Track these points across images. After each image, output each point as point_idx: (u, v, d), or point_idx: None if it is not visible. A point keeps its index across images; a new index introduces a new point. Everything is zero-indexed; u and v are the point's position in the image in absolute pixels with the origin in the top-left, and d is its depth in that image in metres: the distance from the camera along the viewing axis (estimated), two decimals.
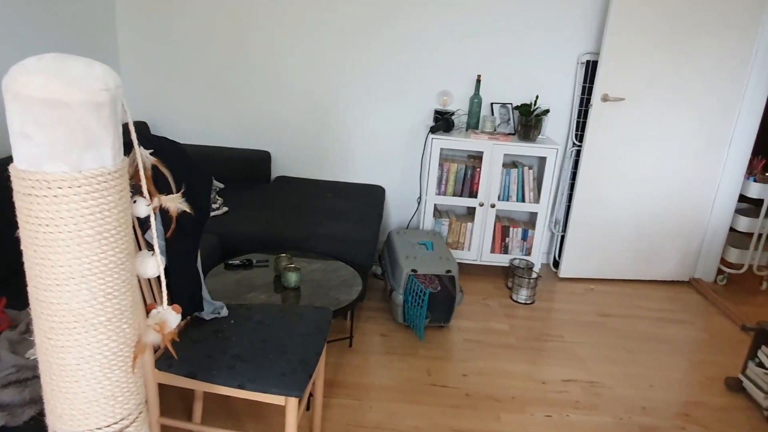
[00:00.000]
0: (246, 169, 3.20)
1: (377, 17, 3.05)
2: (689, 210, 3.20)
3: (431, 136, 2.94)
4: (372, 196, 3.12)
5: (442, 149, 3.05)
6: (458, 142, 2.93)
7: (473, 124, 3.11)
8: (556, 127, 3.22)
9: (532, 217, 3.15)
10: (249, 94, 3.23)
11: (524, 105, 2.98)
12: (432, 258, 2.56)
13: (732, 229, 3.31)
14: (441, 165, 3.03)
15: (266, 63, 3.16)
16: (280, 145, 3.32)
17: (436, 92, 3.18)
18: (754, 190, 3.16)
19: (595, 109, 2.94)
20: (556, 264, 3.35)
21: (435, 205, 3.09)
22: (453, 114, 3.05)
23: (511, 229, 3.12)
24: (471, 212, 3.11)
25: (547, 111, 2.97)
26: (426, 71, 3.14)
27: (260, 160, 3.22)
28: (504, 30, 3.06)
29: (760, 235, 3.23)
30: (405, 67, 3.13)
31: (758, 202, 3.25)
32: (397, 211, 3.42)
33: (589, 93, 3.08)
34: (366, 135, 3.26)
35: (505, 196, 3.05)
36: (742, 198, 3.29)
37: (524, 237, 3.13)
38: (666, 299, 3.12)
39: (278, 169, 3.37)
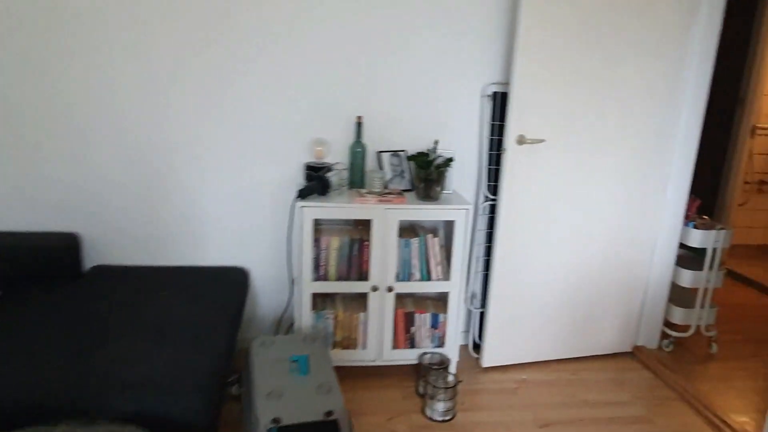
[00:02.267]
0: (38, 262, 2.22)
1: (227, 47, 2.24)
2: (626, 267, 2.63)
3: (299, 203, 2.14)
4: (228, 287, 2.25)
5: (316, 220, 2.27)
6: (337, 209, 2.15)
7: (357, 181, 2.35)
8: (464, 177, 2.55)
9: (443, 297, 2.42)
10: (44, 153, 2.27)
11: (420, 154, 2.27)
12: (306, 390, 1.74)
13: (674, 285, 2.79)
14: (317, 240, 2.23)
15: (73, 110, 2.23)
16: (96, 223, 2.37)
17: (308, 141, 2.40)
18: (695, 239, 2.65)
19: (509, 153, 2.29)
20: (477, 347, 2.65)
21: (313, 294, 2.29)
22: (330, 170, 2.28)
23: (416, 315, 2.38)
24: (363, 299, 2.34)
25: (451, 160, 2.28)
26: (293, 114, 2.35)
27: (62, 247, 2.26)
28: (389, 59, 2.35)
29: (705, 290, 2.72)
30: (265, 111, 2.33)
31: (702, 252, 2.75)
32: (268, 298, 2.57)
33: (501, 133, 2.44)
34: (218, 202, 2.41)
35: (405, 275, 2.31)
36: (683, 247, 2.78)
37: (435, 324, 2.40)
38: (611, 383, 2.50)
39: (96, 256, 2.42)
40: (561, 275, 2.52)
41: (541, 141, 2.30)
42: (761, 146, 4.40)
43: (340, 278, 2.28)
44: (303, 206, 2.13)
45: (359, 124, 2.32)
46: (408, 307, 2.38)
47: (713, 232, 2.63)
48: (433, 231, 2.37)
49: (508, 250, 2.40)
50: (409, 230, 2.38)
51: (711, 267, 2.69)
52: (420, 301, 2.46)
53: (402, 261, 2.29)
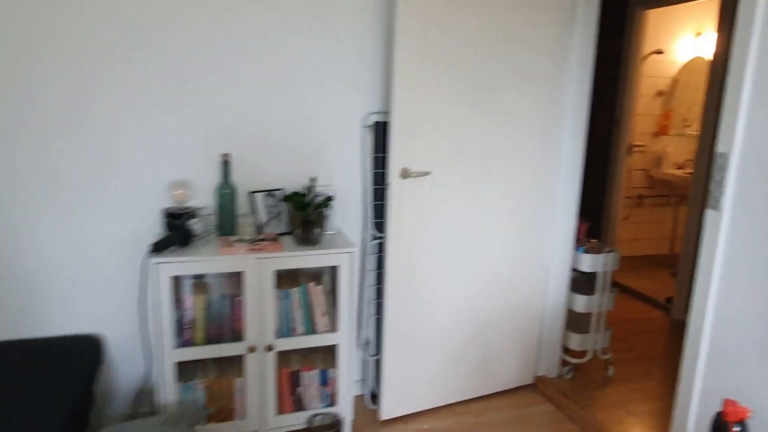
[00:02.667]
0: None
1: (63, 72, 1.88)
2: (523, 297, 2.55)
3: (153, 259, 1.82)
4: (71, 365, 1.87)
5: (176, 277, 1.95)
6: (201, 263, 1.86)
7: (227, 227, 2.07)
8: (349, 215, 2.34)
9: (332, 351, 2.19)
10: None
11: (296, 194, 2.03)
12: None
13: (570, 311, 2.75)
14: (180, 300, 1.92)
15: None
16: None
17: (166, 183, 2.08)
18: (586, 263, 2.63)
19: (394, 188, 2.12)
20: (375, 397, 2.43)
21: (178, 363, 1.96)
22: (193, 216, 1.98)
23: (303, 373, 2.12)
24: (239, 362, 2.04)
25: (330, 198, 2.07)
26: (147, 153, 2.03)
27: None
28: (260, 89, 2.11)
29: (599, 314, 2.70)
30: (113, 150, 1.99)
31: (593, 275, 2.74)
32: (129, 367, 2.20)
33: (384, 166, 2.27)
34: (62, 258, 2.02)
35: (286, 330, 2.05)
36: (575, 271, 2.75)
37: (324, 381, 2.15)
38: (516, 422, 2.38)
39: None
40: (458, 312, 2.38)
41: (427, 173, 2.15)
42: (638, 163, 4.63)
43: (210, 341, 1.97)
44: (158, 262, 1.81)
45: (226, 163, 2.05)
46: (293, 366, 2.12)
47: (602, 255, 2.62)
48: (317, 277, 2.14)
49: (399, 290, 2.22)
50: (289, 279, 2.13)
51: (603, 290, 2.67)
52: (306, 357, 2.21)
53: (282, 315, 2.03)
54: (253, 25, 2.05)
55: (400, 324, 2.26)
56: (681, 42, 4.47)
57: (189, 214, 1.98)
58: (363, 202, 2.34)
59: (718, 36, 3.27)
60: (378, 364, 2.38)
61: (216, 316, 1.96)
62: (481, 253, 2.37)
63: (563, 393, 2.58)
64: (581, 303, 2.67)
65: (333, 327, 2.10)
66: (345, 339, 2.09)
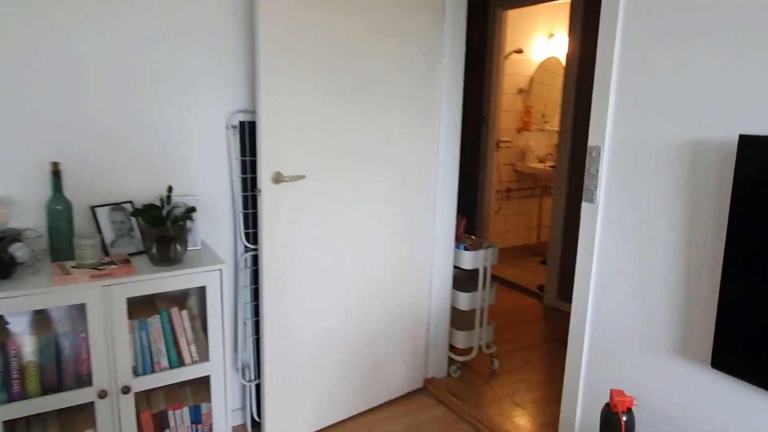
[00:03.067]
0: None
1: None
2: (409, 300, 2.47)
3: None
4: None
5: None
6: (26, 298, 1.51)
7: (63, 251, 1.72)
8: (217, 226, 2.09)
9: (205, 382, 1.93)
10: None
11: (150, 207, 1.75)
12: None
13: (454, 309, 2.73)
14: (2, 345, 1.55)
15: None
16: None
17: None
18: (467, 260, 2.62)
19: (266, 195, 1.91)
20: (258, 425, 2.21)
21: (6, 422, 1.58)
22: (16, 239, 1.62)
23: (170, 413, 1.84)
24: (89, 410, 1.71)
25: (192, 210, 1.81)
26: None
27: None
28: (102, 85, 1.78)
29: (482, 309, 2.71)
30: None
31: (474, 272, 2.74)
32: None
33: (254, 171, 2.06)
34: None
35: (145, 366, 1.75)
36: (457, 269, 2.74)
37: (197, 418, 1.89)
38: (410, 430, 2.29)
39: None
40: (343, 323, 2.23)
41: (301, 177, 1.98)
42: (504, 158, 4.82)
43: (48, 390, 1.62)
44: None
45: (56, 173, 1.70)
46: (157, 406, 1.83)
47: (482, 251, 2.63)
48: (181, 301, 1.86)
49: (278, 306, 2.02)
50: (146, 306, 1.83)
51: (484, 286, 2.68)
52: (173, 393, 1.92)
53: (140, 349, 1.73)
54: (88, 14, 1.73)
55: (281, 343, 2.06)
56: (536, 42, 4.73)
57: (10, 237, 1.61)
58: (232, 212, 2.10)
59: (570, 37, 3.47)
60: (259, 388, 2.16)
61: (53, 360, 1.62)
62: (364, 258, 2.25)
63: (453, 393, 2.54)
64: (465, 300, 2.66)
65: (203, 356, 1.84)
66: (218, 368, 1.84)
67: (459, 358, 2.72)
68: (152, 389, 1.91)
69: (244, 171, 2.04)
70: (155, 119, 1.90)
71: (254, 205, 2.06)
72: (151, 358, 1.76)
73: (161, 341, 1.76)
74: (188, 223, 1.82)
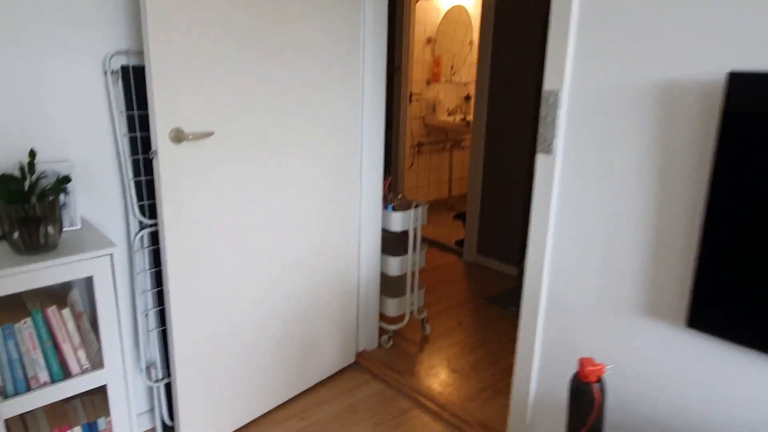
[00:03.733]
0: None
1: None
2: (337, 271, 2.21)
3: None
4: None
5: None
6: None
7: None
8: (100, 200, 1.67)
9: (100, 392, 1.56)
10: None
11: (6, 179, 1.32)
12: None
13: (384, 276, 2.52)
14: None
15: None
16: None
17: None
18: (397, 222, 2.41)
19: (165, 157, 1.54)
20: (169, 429, 1.89)
21: None
22: None
23: None
24: None
25: (65, 180, 1.40)
26: None
27: None
28: None
29: (413, 273, 2.53)
30: None
31: (402, 234, 2.54)
32: None
33: (146, 128, 1.65)
34: None
35: (17, 384, 1.36)
36: (388, 236, 2.51)
37: None
38: (347, 412, 2.09)
39: None
40: (265, 303, 1.94)
41: (209, 134, 1.61)
42: (415, 111, 4.63)
43: None
44: None
45: None
46: (38, 429, 1.45)
47: (411, 211, 2.42)
48: (60, 298, 1.47)
49: (186, 290, 1.68)
50: (11, 308, 1.42)
51: (414, 248, 2.49)
52: (61, 412, 1.54)
53: (7, 363, 1.33)
54: None
55: (193, 333, 1.73)
56: None
57: None
58: (120, 180, 1.69)
59: None
60: (169, 388, 1.83)
61: None
62: (285, 228, 1.95)
63: (387, 365, 2.36)
64: (395, 265, 2.46)
65: (96, 362, 1.47)
66: (117, 374, 1.49)
67: (391, 327, 2.53)
68: (31, 411, 1.51)
69: (132, 128, 1.63)
70: (7, 64, 1.43)
71: (149, 171, 1.67)
72: (25, 372, 1.36)
73: (37, 350, 1.37)
74: (61, 198, 1.41)
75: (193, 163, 1.61)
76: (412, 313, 2.59)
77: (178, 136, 1.54)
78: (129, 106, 1.61)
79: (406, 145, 4.22)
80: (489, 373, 2.37)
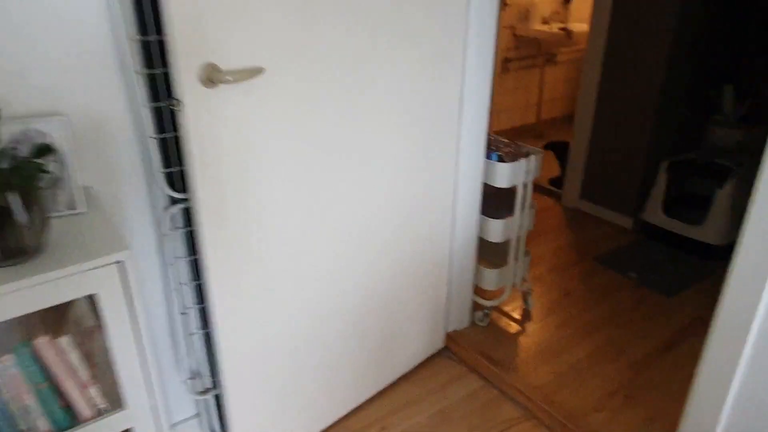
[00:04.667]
0: None
1: None
2: (424, 241, 1.71)
3: None
4: None
5: None
6: None
7: None
8: (109, 167, 1.19)
9: None
10: None
11: None
12: None
13: (482, 242, 2.00)
14: None
15: None
16: None
17: None
18: (503, 176, 1.84)
19: (193, 107, 1.03)
20: None
21: None
22: None
23: None
24: None
25: (45, 151, 0.92)
26: None
27: None
28: None
29: (518, 238, 1.99)
30: None
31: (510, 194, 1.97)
32: None
33: (166, 64, 1.13)
34: None
35: None
36: (490, 192, 1.96)
37: None
38: (436, 419, 1.67)
39: None
40: (335, 288, 1.48)
41: (258, 72, 1.08)
42: (504, 19, 3.85)
43: None
44: None
45: None
46: None
47: (523, 162, 1.84)
48: (55, 320, 1.04)
49: (234, 282, 1.23)
50: None
51: (523, 208, 1.94)
52: None
53: None
54: None
55: (244, 336, 1.30)
56: None
57: None
58: (139, 138, 1.20)
59: None
60: (219, 402, 1.44)
61: None
62: (362, 194, 1.43)
63: (484, 353, 1.90)
64: (498, 230, 1.92)
65: (115, 401, 1.07)
66: (144, 414, 1.09)
67: (488, 303, 2.05)
68: None
69: (149, 63, 1.11)
70: None
71: (174, 126, 1.17)
72: (16, 427, 0.97)
73: (29, 394, 0.97)
74: (46, 177, 0.94)
75: (235, 115, 1.09)
76: (513, 285, 2.09)
77: (211, 77, 1.01)
78: (142, 30, 1.09)
79: (496, 60, 3.51)
80: (613, 368, 1.87)
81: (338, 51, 1.22)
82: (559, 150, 3.39)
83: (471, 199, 1.81)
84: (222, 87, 1.04)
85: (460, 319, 2.01)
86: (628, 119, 2.67)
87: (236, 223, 1.17)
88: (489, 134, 1.91)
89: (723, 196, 2.38)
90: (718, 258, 2.47)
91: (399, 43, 1.35)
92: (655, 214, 2.62)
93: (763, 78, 2.73)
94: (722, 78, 2.74)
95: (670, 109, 2.60)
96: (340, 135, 1.30)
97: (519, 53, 4.05)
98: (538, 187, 3.34)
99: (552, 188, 3.30)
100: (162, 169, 1.18)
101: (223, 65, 1.03)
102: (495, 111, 4.13)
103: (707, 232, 2.45)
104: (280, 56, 1.11)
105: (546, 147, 3.90)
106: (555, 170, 3.46)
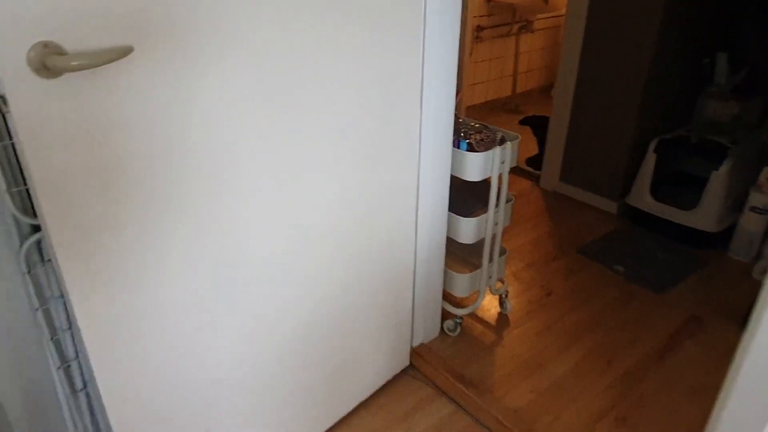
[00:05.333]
0: None
1: None
2: (382, 246, 1.44)
3: None
4: None
5: None
6: None
7: None
8: None
9: None
10: None
11: None
12: None
13: (451, 243, 1.73)
14: None
15: None
16: None
17: None
18: (475, 168, 1.57)
19: (22, 107, 0.72)
20: None
21: None
22: None
23: None
24: None
25: None
26: None
27: None
28: None
29: (494, 237, 1.73)
30: None
31: (483, 187, 1.70)
32: None
33: None
34: None
35: None
36: (460, 183, 1.68)
37: None
38: None
39: None
40: (266, 324, 1.20)
41: (123, 52, 0.76)
42: None
43: None
44: None
45: None
46: None
47: (497, 151, 1.56)
48: None
49: (115, 337, 0.94)
50: None
51: (498, 202, 1.67)
52: None
53: None
54: None
55: (137, 398, 1.02)
56: None
57: None
58: None
59: None
60: None
61: None
62: (297, 202, 1.15)
63: (456, 373, 1.65)
64: (469, 230, 1.66)
65: None
66: None
67: (459, 312, 1.80)
68: None
69: None
70: None
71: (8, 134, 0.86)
72: None
73: None
74: None
75: (94, 118, 0.79)
76: (488, 288, 1.83)
77: (50, 62, 0.70)
78: None
79: (468, 28, 3.20)
80: (601, 382, 1.65)
81: (252, 20, 0.91)
82: (537, 126, 3.12)
83: (437, 195, 1.54)
84: (69, 77, 0.74)
85: (427, 330, 1.76)
86: (612, 92, 2.41)
87: (108, 255, 0.88)
88: (457, 117, 1.62)
89: (718, 177, 2.15)
90: (712, 246, 2.26)
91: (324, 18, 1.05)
92: (642, 198, 2.39)
93: (759, 45, 2.48)
94: (715, 46, 2.49)
95: (660, 81, 2.34)
96: (260, 132, 1.01)
97: (492, 21, 3.74)
98: (514, 168, 3.08)
99: (529, 169, 3.05)
100: (12, 187, 0.88)
101: (70, 45, 0.72)
102: (467, 84, 3.83)
103: (700, 218, 2.22)
104: (154, 31, 0.81)
105: (522, 122, 3.61)
106: (532, 149, 3.20)
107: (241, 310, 1.11)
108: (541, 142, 3.01)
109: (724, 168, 2.14)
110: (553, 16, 4.05)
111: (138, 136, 0.83)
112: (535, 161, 3.05)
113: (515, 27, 3.88)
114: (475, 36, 3.71)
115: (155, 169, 0.87)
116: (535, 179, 2.93)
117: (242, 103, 0.95)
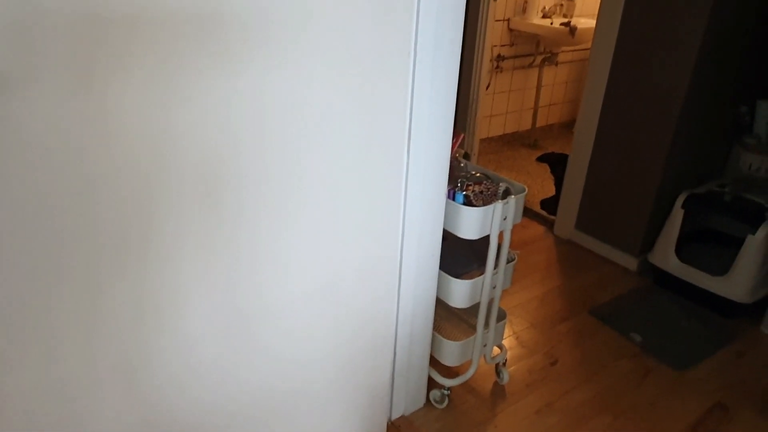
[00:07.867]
0: None
1: None
2: (355, 315, 1.23)
3: None
4: None
5: None
6: None
7: None
8: None
9: None
10: None
11: None
12: None
13: (441, 305, 1.52)
14: None
15: None
16: None
17: None
18: (471, 225, 1.35)
19: None
20: None
21: None
22: None
23: None
24: None
25: None
26: None
27: None
28: None
29: (491, 301, 1.51)
30: None
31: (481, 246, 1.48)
32: None
33: None
34: None
35: None
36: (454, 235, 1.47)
37: None
38: None
39: None
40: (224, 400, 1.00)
41: None
42: (498, 11, 3.34)
43: None
44: None
45: None
46: None
47: (498, 206, 1.35)
48: None
49: None
50: None
51: (497, 263, 1.45)
52: None
53: None
54: None
55: None
56: None
57: None
58: None
59: None
60: None
61: None
62: (236, 275, 0.95)
63: None
64: (461, 293, 1.44)
65: None
66: None
67: (447, 382, 1.57)
68: None
69: None
70: None
71: None
72: None
73: None
74: None
75: None
76: (484, 356, 1.61)
77: None
78: None
79: (483, 59, 3.01)
80: None
81: (192, 57, 0.73)
82: (555, 164, 2.89)
83: (425, 253, 1.33)
84: None
85: (410, 401, 1.53)
86: (638, 135, 2.18)
87: None
88: (458, 162, 1.42)
89: (755, 242, 1.90)
90: (743, 316, 2.00)
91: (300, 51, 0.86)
92: (666, 257, 2.14)
93: None
94: (755, 92, 2.25)
95: (691, 127, 2.11)
96: (199, 189, 0.81)
97: (514, 50, 3.54)
98: (526, 210, 2.85)
99: (543, 213, 2.82)
100: None
101: None
102: (484, 116, 3.63)
103: (731, 286, 1.97)
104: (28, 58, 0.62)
105: (540, 159, 3.38)
106: (549, 188, 2.98)
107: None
108: (559, 182, 2.78)
109: (761, 232, 1.89)
110: (578, 50, 3.85)
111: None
112: (551, 204, 2.82)
113: (538, 58, 3.67)
114: (494, 66, 3.52)
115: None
116: (549, 225, 2.70)
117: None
